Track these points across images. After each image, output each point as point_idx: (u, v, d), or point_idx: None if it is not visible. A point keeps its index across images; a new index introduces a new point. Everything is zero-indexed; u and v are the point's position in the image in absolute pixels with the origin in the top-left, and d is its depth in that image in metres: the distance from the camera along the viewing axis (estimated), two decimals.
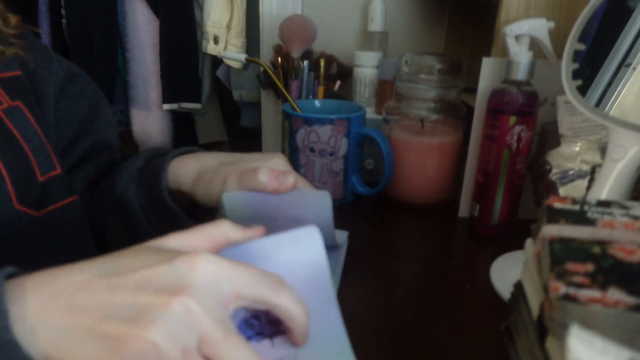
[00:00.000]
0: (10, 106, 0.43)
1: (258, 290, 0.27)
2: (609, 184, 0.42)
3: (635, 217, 0.29)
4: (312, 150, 0.63)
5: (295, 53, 0.75)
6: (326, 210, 0.42)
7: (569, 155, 0.49)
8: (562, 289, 0.23)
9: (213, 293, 0.26)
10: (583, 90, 0.43)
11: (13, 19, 0.46)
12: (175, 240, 0.29)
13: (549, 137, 0.52)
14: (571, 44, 0.44)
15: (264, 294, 0.27)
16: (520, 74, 0.51)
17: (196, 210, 0.48)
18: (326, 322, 0.30)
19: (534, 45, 0.51)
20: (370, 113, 0.78)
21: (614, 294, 0.23)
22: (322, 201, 0.41)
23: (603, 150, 0.46)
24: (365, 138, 0.65)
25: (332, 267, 0.36)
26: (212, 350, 0.25)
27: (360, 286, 0.48)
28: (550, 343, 0.25)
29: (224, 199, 0.40)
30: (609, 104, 0.41)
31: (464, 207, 0.63)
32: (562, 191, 0.50)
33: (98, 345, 0.24)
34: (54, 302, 0.25)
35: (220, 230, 0.30)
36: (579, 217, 0.29)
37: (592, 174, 0.48)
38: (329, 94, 0.79)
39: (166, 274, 0.25)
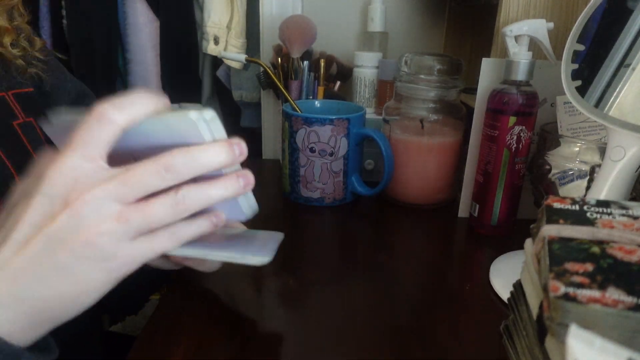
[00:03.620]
0: (25, 121, 0.46)
1: (146, 186, 0.28)
2: (608, 184, 0.42)
3: (635, 217, 0.29)
4: (312, 150, 0.63)
5: (295, 53, 0.75)
6: (194, 132, 0.29)
7: (569, 155, 0.50)
8: (562, 288, 0.23)
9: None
10: (582, 90, 0.43)
11: (38, 42, 0.49)
12: (59, 181, 0.28)
13: (549, 138, 0.52)
14: (570, 45, 0.44)
15: (155, 185, 0.28)
16: (519, 74, 0.51)
17: None
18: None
19: (534, 45, 0.52)
20: (370, 113, 0.78)
21: (613, 294, 0.23)
22: (186, 123, 0.29)
23: (602, 150, 0.46)
24: (365, 138, 0.65)
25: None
26: (131, 190, 0.28)
27: (360, 286, 0.48)
28: (550, 343, 0.25)
29: None
30: (608, 105, 0.42)
31: (464, 207, 0.63)
32: (562, 191, 0.50)
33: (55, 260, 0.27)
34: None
35: (95, 135, 0.28)
36: (578, 217, 0.30)
37: (591, 174, 0.48)
38: (328, 95, 0.79)
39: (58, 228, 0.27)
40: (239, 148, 0.30)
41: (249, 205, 0.35)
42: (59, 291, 0.28)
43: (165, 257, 0.42)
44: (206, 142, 0.30)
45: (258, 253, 0.36)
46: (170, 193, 0.29)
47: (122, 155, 0.30)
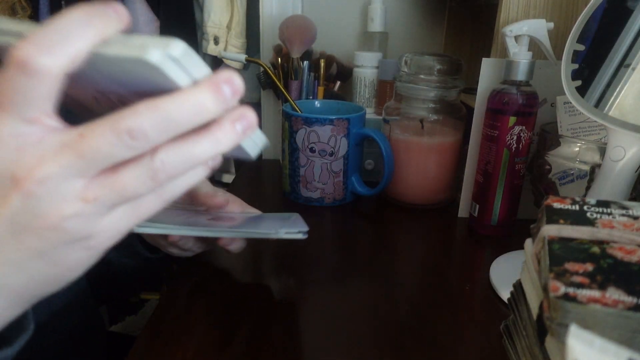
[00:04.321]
0: None
1: (103, 154, 0.22)
2: (608, 184, 0.42)
3: (635, 217, 0.29)
4: (312, 150, 0.63)
5: (295, 53, 0.75)
6: (159, 78, 0.21)
7: (569, 155, 0.50)
8: (562, 288, 0.23)
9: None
10: (582, 90, 0.43)
11: None
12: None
13: (549, 138, 0.52)
14: (570, 45, 0.44)
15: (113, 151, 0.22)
16: (519, 74, 0.51)
17: None
18: None
19: (534, 45, 0.52)
20: (370, 113, 0.78)
21: (613, 294, 0.23)
22: (144, 66, 0.21)
23: (602, 150, 0.46)
24: (365, 138, 0.65)
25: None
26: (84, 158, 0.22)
27: (360, 286, 0.48)
28: (550, 343, 0.25)
29: None
30: (608, 105, 0.42)
31: (464, 207, 0.63)
32: (562, 191, 0.50)
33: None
34: None
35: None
36: (578, 217, 0.30)
37: (591, 174, 0.48)
38: (328, 95, 0.79)
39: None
40: (230, 86, 0.22)
41: (254, 144, 0.27)
42: (39, 274, 0.24)
43: (200, 240, 0.46)
44: (181, 87, 0.22)
45: (297, 227, 0.41)
46: (145, 159, 0.22)
47: (83, 90, 0.23)
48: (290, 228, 0.41)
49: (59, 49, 0.20)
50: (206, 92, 0.22)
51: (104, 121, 0.21)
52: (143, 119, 0.21)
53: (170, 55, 0.20)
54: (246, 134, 0.24)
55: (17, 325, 0.29)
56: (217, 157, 0.24)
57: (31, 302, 0.26)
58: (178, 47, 0.21)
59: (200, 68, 0.22)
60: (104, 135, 0.21)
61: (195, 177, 0.25)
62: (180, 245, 0.45)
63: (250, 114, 0.24)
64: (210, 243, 0.47)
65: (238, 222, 0.45)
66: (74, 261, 0.24)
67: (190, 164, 0.23)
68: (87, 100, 0.24)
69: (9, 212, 0.22)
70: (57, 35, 0.20)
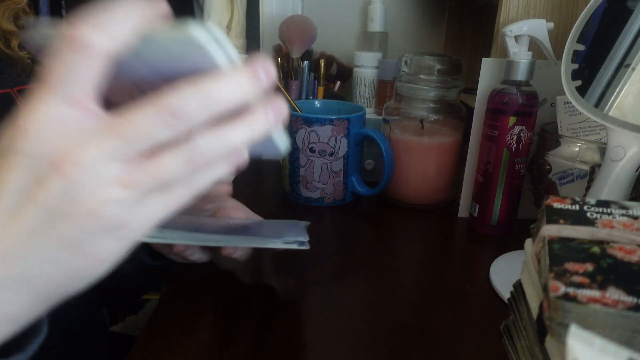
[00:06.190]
0: None
1: (145, 136, 0.22)
2: (608, 184, 0.42)
3: (635, 217, 0.29)
4: (312, 150, 0.63)
5: (295, 53, 0.75)
6: (202, 57, 0.22)
7: (569, 155, 0.50)
8: (562, 288, 0.23)
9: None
10: (582, 90, 0.43)
11: None
12: (40, 135, 0.22)
13: (549, 138, 0.52)
14: (570, 45, 0.44)
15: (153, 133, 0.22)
16: (519, 74, 0.51)
17: None
18: None
19: (534, 45, 0.52)
20: (370, 113, 0.78)
21: (613, 294, 0.23)
22: (189, 44, 0.22)
23: (602, 150, 0.46)
24: (365, 138, 0.65)
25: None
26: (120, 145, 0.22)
27: (360, 286, 0.48)
28: (550, 343, 0.25)
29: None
30: (608, 105, 0.42)
31: (464, 207, 0.63)
32: (562, 191, 0.50)
33: (57, 242, 0.23)
34: None
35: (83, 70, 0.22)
36: (578, 217, 0.30)
37: (591, 174, 0.48)
38: (328, 95, 0.79)
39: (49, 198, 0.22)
40: (265, 70, 0.23)
41: (282, 140, 0.27)
42: (68, 266, 0.24)
43: (205, 249, 0.46)
44: (221, 68, 0.22)
45: (298, 237, 0.41)
46: (182, 144, 0.23)
47: (121, 87, 0.24)
48: (294, 237, 0.42)
49: (109, 28, 0.21)
50: (244, 74, 0.22)
51: (146, 103, 0.22)
52: (185, 98, 0.21)
53: (213, 35, 0.21)
54: (277, 122, 0.25)
55: (29, 329, 0.27)
56: (244, 152, 0.25)
57: (51, 303, 0.25)
58: (218, 28, 0.22)
59: (235, 53, 0.23)
60: (147, 116, 0.21)
61: (223, 169, 0.25)
62: (186, 256, 0.45)
63: (281, 104, 0.25)
64: (214, 253, 0.47)
65: (241, 229, 0.45)
66: (105, 252, 0.24)
67: (225, 150, 0.24)
68: (123, 99, 0.24)
69: (46, 198, 0.22)
70: (107, 17, 0.21)
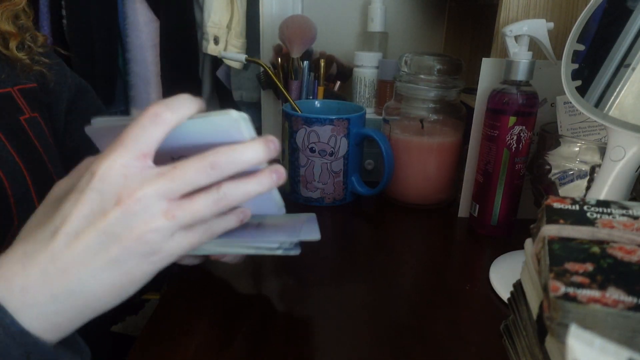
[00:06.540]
0: (31, 116, 0.47)
1: (190, 183, 0.29)
2: (608, 184, 0.42)
3: (635, 217, 0.29)
4: (312, 150, 0.63)
5: (295, 53, 0.75)
6: (235, 131, 0.32)
7: (569, 155, 0.50)
8: (562, 288, 0.23)
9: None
10: (582, 90, 0.43)
11: (41, 38, 0.50)
12: (111, 178, 0.28)
13: (549, 138, 0.52)
14: (570, 45, 0.44)
15: (197, 181, 0.29)
16: (519, 74, 0.51)
17: None
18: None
19: (534, 45, 0.52)
20: (370, 113, 0.78)
21: (613, 294, 0.23)
22: (229, 122, 0.31)
23: (602, 150, 0.46)
24: (365, 138, 0.65)
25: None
26: (173, 186, 0.29)
27: (360, 286, 0.48)
28: (550, 343, 0.25)
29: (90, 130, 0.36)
30: (608, 105, 0.42)
31: (464, 207, 0.63)
32: (562, 191, 0.50)
33: (109, 266, 0.28)
34: (45, 276, 0.27)
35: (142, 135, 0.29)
36: (578, 217, 0.30)
37: (591, 174, 0.48)
38: (328, 95, 0.79)
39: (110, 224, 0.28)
40: (274, 145, 0.31)
41: (279, 198, 0.37)
42: (109, 283, 0.29)
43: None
44: (245, 140, 0.31)
45: (310, 233, 0.42)
46: (213, 189, 0.30)
47: (159, 156, 0.31)
48: (296, 237, 0.41)
49: (176, 109, 0.29)
50: (260, 144, 0.31)
51: (193, 157, 0.29)
52: (222, 156, 0.29)
53: (242, 116, 0.31)
54: (279, 182, 0.33)
55: (72, 348, 0.31)
56: (246, 212, 0.35)
57: (87, 318, 0.30)
58: (244, 114, 0.31)
59: (253, 130, 0.32)
60: (193, 165, 0.29)
61: (231, 223, 0.34)
62: (177, 261, 0.44)
63: (282, 169, 0.33)
64: (205, 256, 0.44)
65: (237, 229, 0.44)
66: (139, 273, 0.29)
67: (242, 197, 0.31)
68: (161, 162, 0.31)
69: (105, 224, 0.28)
70: (177, 103, 0.30)
